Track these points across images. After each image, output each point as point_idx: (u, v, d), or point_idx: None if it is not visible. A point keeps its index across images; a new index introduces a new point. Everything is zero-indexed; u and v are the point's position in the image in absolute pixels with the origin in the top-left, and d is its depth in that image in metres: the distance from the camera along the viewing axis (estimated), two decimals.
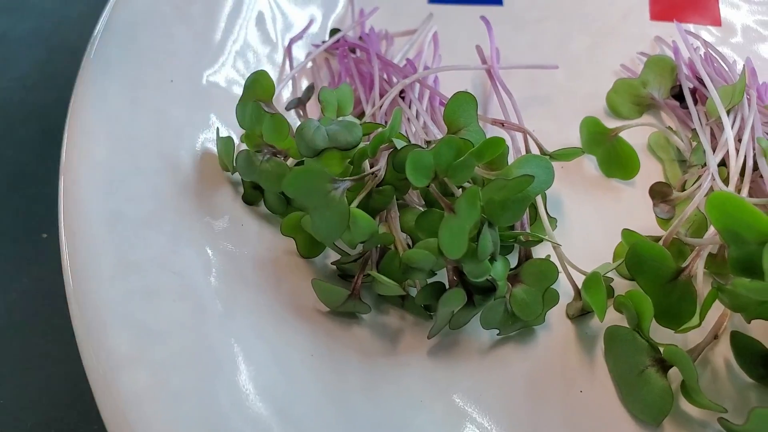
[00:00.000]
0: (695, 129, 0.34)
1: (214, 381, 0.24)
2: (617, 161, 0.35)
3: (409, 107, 0.33)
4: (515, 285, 0.29)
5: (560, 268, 0.30)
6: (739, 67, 0.39)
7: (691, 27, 0.41)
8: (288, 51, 0.38)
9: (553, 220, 0.32)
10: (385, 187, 0.29)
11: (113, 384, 0.23)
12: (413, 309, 0.30)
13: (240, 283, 0.28)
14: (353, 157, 0.28)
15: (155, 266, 0.26)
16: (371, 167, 0.29)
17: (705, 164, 0.32)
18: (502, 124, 0.33)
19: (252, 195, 0.31)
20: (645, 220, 0.32)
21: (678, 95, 0.37)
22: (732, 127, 0.32)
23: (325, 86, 0.31)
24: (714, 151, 0.32)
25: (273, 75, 0.37)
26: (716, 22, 0.42)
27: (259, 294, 0.28)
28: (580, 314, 0.30)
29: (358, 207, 0.28)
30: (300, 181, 0.27)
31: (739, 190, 0.31)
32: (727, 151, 0.32)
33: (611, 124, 0.36)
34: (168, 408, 0.22)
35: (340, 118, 0.29)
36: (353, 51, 0.38)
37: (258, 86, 0.29)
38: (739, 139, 0.32)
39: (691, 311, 0.28)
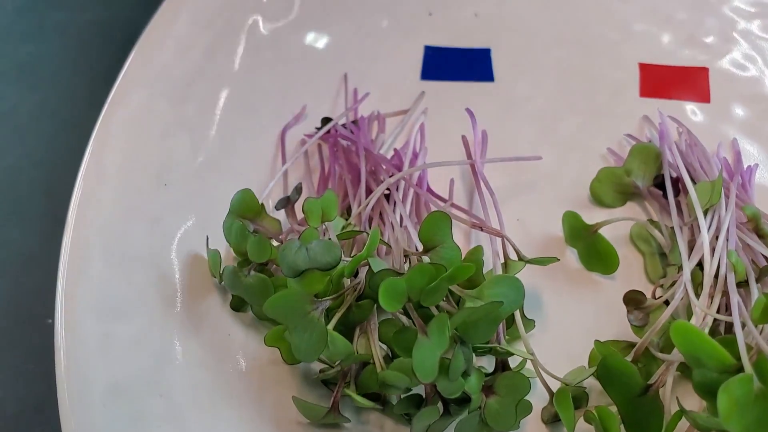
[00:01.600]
0: (673, 228, 0.35)
1: None
2: (597, 256, 0.36)
3: (393, 210, 0.35)
4: (489, 396, 0.30)
5: (535, 374, 0.31)
6: (724, 149, 0.40)
7: (679, 104, 0.42)
8: (281, 140, 0.40)
9: (530, 323, 0.33)
10: (364, 302, 0.30)
11: None
12: (392, 413, 0.31)
13: (224, 399, 0.29)
14: (333, 277, 0.29)
15: (142, 390, 0.28)
16: (351, 279, 0.30)
17: (681, 268, 0.33)
18: (480, 228, 0.34)
19: (239, 303, 0.32)
20: (621, 317, 0.33)
21: (661, 184, 0.37)
22: (709, 230, 0.33)
23: (310, 196, 0.32)
24: (690, 254, 0.33)
25: (265, 164, 0.39)
26: (705, 99, 0.43)
27: (242, 410, 0.29)
28: (554, 420, 0.31)
29: (338, 321, 0.29)
30: (281, 304, 0.28)
31: (711, 297, 0.31)
32: (702, 255, 0.32)
33: (595, 212, 0.37)
34: None
35: (319, 240, 0.30)
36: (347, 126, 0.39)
37: (243, 205, 0.31)
38: (716, 237, 0.33)
39: (659, 425, 0.29)
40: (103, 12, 0.53)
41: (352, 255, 0.33)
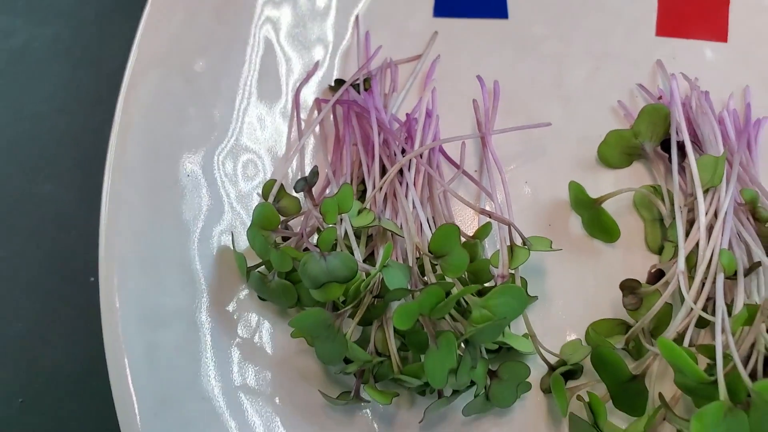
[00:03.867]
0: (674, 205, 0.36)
1: None
2: (600, 226, 0.38)
3: (406, 192, 0.36)
4: (493, 379, 0.34)
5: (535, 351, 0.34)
6: (735, 100, 0.40)
7: (695, 45, 0.42)
8: (296, 99, 0.40)
9: (531, 299, 0.36)
10: (379, 304, 0.33)
11: None
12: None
13: (258, 397, 0.33)
14: (349, 291, 0.32)
15: (187, 396, 0.32)
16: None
17: (676, 251, 0.35)
18: (489, 215, 0.35)
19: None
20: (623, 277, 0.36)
21: (668, 146, 0.38)
22: (707, 213, 0.35)
23: (327, 196, 0.34)
24: (687, 238, 0.35)
25: (283, 126, 0.40)
26: (722, 38, 0.42)
27: (272, 406, 0.33)
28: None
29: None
30: (305, 321, 0.32)
31: (703, 283, 0.34)
32: (698, 242, 0.34)
33: (601, 173, 0.39)
34: None
35: (336, 252, 0.32)
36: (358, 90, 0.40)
37: (264, 219, 0.33)
38: (714, 216, 0.35)
39: (643, 406, 0.33)
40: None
41: (368, 243, 0.35)
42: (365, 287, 0.32)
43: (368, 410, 0.35)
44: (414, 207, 0.36)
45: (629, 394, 0.33)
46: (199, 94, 0.38)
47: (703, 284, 0.34)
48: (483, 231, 0.35)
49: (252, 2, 0.41)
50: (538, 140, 0.40)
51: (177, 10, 0.38)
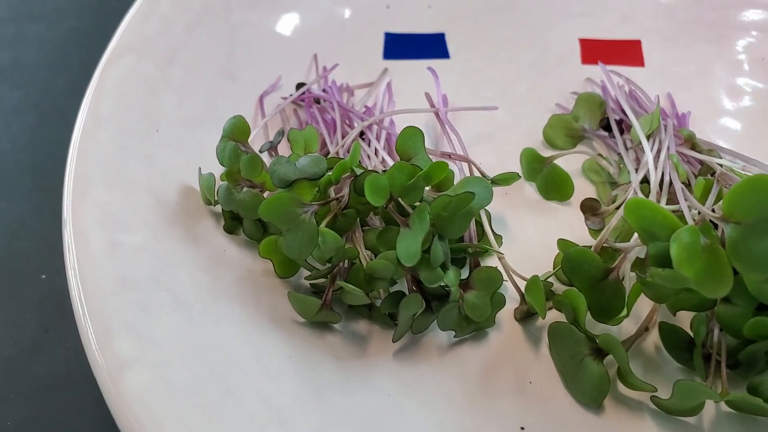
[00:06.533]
0: (621, 154, 0.39)
1: (207, 376, 0.27)
2: (554, 185, 0.39)
3: (368, 146, 0.38)
4: (466, 291, 0.33)
5: (506, 277, 0.34)
6: (661, 101, 0.44)
7: (618, 69, 0.47)
8: (260, 103, 0.43)
9: (498, 237, 0.36)
10: (348, 210, 0.33)
11: (119, 381, 0.26)
12: (379, 318, 0.33)
13: (224, 299, 0.31)
14: (320, 185, 0.32)
15: (150, 284, 0.30)
16: (336, 195, 0.33)
17: (630, 183, 0.37)
18: (449, 156, 0.37)
19: (232, 225, 0.35)
20: (581, 234, 0.37)
21: (606, 126, 0.42)
22: (651, 150, 0.37)
23: (294, 127, 0.35)
24: (637, 171, 0.37)
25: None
26: (640, 63, 0.47)
27: (242, 307, 0.31)
28: (526, 316, 0.34)
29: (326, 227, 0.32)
30: (274, 207, 0.31)
31: (658, 201, 0.35)
32: (648, 170, 0.36)
33: (547, 154, 0.41)
34: (168, 398, 0.26)
35: (307, 154, 0.33)
36: (317, 102, 0.43)
37: (235, 129, 0.34)
38: (658, 155, 0.37)
39: (621, 306, 0.32)
40: (78, 23, 0.57)
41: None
42: (337, 177, 0.32)
43: (340, 336, 0.33)
44: (377, 153, 0.37)
45: (605, 296, 0.32)
46: (171, 78, 0.40)
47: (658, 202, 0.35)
48: (441, 168, 0.36)
49: (216, 25, 0.45)
50: (487, 132, 0.43)
51: (152, 21, 0.42)
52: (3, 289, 0.40)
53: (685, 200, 0.32)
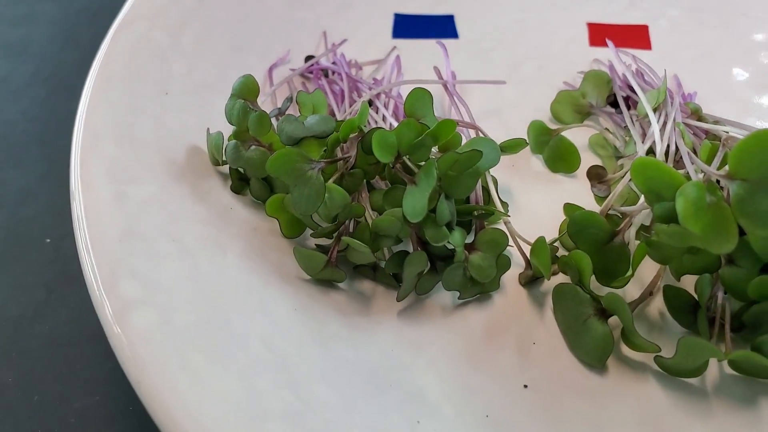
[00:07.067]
0: (627, 127, 0.39)
1: (212, 320, 0.27)
2: (561, 157, 0.39)
3: (377, 113, 0.38)
4: (472, 252, 0.33)
5: (511, 242, 0.34)
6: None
7: (625, 51, 0.47)
8: (269, 74, 0.43)
9: (504, 204, 0.36)
10: (355, 170, 0.33)
11: (123, 321, 0.26)
12: (384, 279, 0.33)
13: (230, 252, 0.31)
14: (328, 144, 0.32)
15: (157, 234, 0.30)
16: (343, 149, 0.33)
17: (636, 153, 0.37)
18: (456, 123, 0.37)
19: (239, 185, 0.35)
20: (587, 205, 0.36)
21: (613, 103, 0.42)
22: (658, 122, 0.37)
23: (302, 90, 0.36)
24: (643, 142, 0.37)
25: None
26: (647, 47, 0.48)
27: (248, 260, 0.31)
28: (531, 281, 0.34)
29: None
30: (281, 163, 0.31)
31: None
32: (654, 141, 0.36)
33: (555, 128, 0.41)
34: (173, 340, 0.26)
35: (316, 114, 0.33)
36: (326, 75, 0.43)
37: (245, 88, 0.34)
38: (665, 126, 0.37)
39: (626, 269, 0.32)
40: (88, 3, 0.57)
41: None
42: (345, 135, 0.32)
43: (345, 294, 0.33)
44: (386, 120, 0.37)
45: (610, 258, 0.32)
46: (181, 46, 0.40)
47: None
48: (449, 126, 0.35)
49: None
50: (496, 107, 0.43)
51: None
52: (8, 252, 0.40)
53: (692, 163, 0.32)
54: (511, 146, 0.37)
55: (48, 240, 0.40)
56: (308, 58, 0.44)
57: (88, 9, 0.56)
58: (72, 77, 0.51)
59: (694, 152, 0.35)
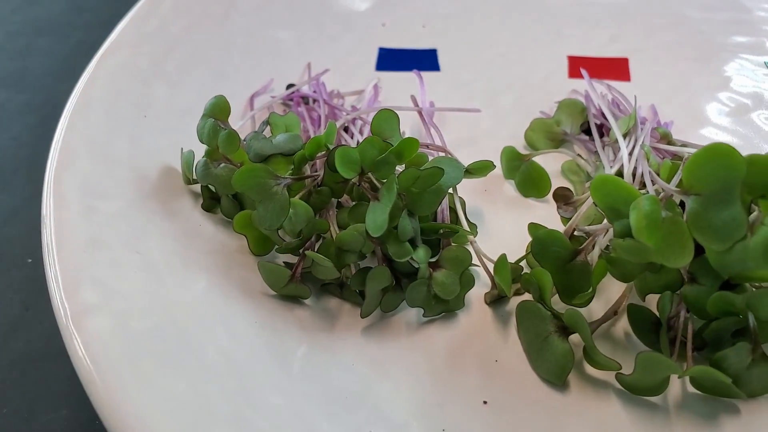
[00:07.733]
0: (597, 160, 0.39)
1: (167, 328, 0.28)
2: (532, 182, 0.40)
3: (351, 138, 0.39)
4: (436, 270, 0.33)
5: (478, 262, 0.34)
6: (643, 111, 0.45)
7: (604, 83, 0.48)
8: (250, 102, 0.44)
9: (473, 226, 0.37)
10: (323, 188, 0.34)
11: (80, 325, 0.26)
12: (350, 296, 0.34)
13: (194, 266, 0.32)
14: (294, 161, 0.33)
15: (121, 246, 0.31)
16: (311, 167, 0.34)
17: None
18: (427, 146, 0.38)
19: (210, 203, 0.36)
20: (556, 227, 0.37)
21: (587, 131, 0.42)
22: (627, 146, 0.38)
23: (275, 112, 0.36)
24: (612, 166, 0.37)
25: (235, 124, 0.43)
26: (626, 78, 0.48)
27: (211, 276, 0.32)
28: (497, 300, 0.34)
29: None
30: (247, 178, 0.32)
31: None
32: (622, 164, 0.37)
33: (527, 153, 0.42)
34: (127, 344, 0.26)
35: (285, 133, 0.34)
36: (306, 102, 0.44)
37: (216, 108, 0.35)
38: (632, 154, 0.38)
39: (587, 286, 0.32)
40: (85, 36, 0.59)
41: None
42: (311, 152, 0.33)
43: (309, 311, 0.33)
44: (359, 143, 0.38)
45: (573, 277, 0.33)
46: (164, 72, 0.41)
47: None
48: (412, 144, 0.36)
49: (214, 28, 0.46)
50: (471, 136, 0.44)
51: (151, 21, 0.44)
52: None
53: (653, 183, 0.32)
54: (479, 168, 0.37)
55: (30, 260, 0.41)
56: (290, 86, 0.45)
57: (85, 42, 0.58)
58: (64, 106, 0.52)
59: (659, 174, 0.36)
